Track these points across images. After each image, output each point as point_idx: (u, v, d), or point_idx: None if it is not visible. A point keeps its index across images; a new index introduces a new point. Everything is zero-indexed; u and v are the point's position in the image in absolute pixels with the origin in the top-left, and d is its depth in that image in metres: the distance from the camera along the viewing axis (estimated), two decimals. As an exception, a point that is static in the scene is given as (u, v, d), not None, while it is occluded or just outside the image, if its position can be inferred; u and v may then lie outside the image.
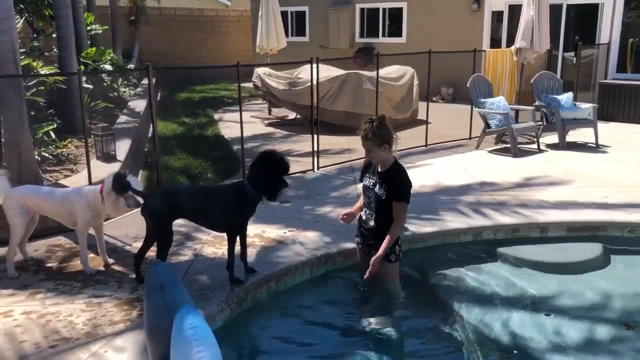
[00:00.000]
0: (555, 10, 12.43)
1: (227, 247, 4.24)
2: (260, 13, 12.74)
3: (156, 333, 2.55)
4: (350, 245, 4.72)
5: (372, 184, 4.12)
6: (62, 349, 3.38)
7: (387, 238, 3.99)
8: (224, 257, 4.32)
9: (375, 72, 8.53)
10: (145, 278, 2.81)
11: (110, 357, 3.29)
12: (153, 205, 4.15)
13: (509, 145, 8.53)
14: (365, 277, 4.09)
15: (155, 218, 4.14)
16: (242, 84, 6.95)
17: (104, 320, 3.71)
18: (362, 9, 16.53)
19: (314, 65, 7.53)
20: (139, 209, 4.24)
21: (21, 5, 9.34)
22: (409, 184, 4.05)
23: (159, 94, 15.99)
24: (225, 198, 4.18)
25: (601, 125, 9.51)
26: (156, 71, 15.62)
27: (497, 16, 14.00)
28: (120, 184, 4.14)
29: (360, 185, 4.35)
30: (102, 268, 4.57)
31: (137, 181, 4.36)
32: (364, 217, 4.27)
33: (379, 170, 4.10)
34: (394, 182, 4.01)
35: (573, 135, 9.36)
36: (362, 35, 16.68)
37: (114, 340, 3.46)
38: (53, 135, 7.19)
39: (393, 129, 4.07)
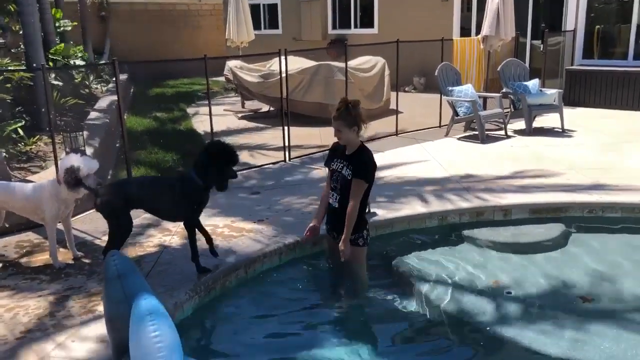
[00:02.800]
0: (521, -2, 12.63)
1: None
2: (229, 6, 12.74)
3: (116, 321, 2.61)
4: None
5: (340, 167, 4.20)
6: (28, 339, 3.42)
7: (347, 218, 4.08)
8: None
9: (348, 63, 8.61)
10: (104, 268, 2.85)
11: (76, 347, 3.34)
12: (103, 199, 4.14)
13: (477, 132, 8.69)
14: (342, 260, 4.16)
15: (106, 211, 4.13)
16: (215, 78, 6.96)
17: (72, 312, 3.76)
18: (333, 1, 16.60)
19: (283, 58, 7.61)
20: None
21: (-16, 2, 9.22)
22: (372, 164, 4.13)
23: (132, 90, 15.90)
24: (173, 188, 4.19)
25: (568, 111, 9.72)
26: (128, 67, 15.73)
27: (466, 5, 14.18)
28: (72, 179, 4.15)
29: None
30: (71, 261, 4.60)
31: (93, 162, 4.36)
32: (330, 202, 4.34)
33: (347, 153, 4.19)
34: (358, 160, 4.10)
35: (540, 121, 9.56)
36: (334, 27, 16.76)
37: (80, 330, 3.51)
38: (21, 133, 7.15)
39: (366, 116, 4.16)
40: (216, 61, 11.47)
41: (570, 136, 8.74)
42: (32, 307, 3.85)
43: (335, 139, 4.20)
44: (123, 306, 2.51)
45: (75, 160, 4.25)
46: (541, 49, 11.44)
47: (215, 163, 4.09)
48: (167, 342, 2.34)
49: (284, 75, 7.74)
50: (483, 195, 5.91)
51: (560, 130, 9.00)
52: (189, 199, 4.16)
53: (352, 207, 4.06)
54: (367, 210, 5.33)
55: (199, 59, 6.76)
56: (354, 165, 4.07)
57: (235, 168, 4.26)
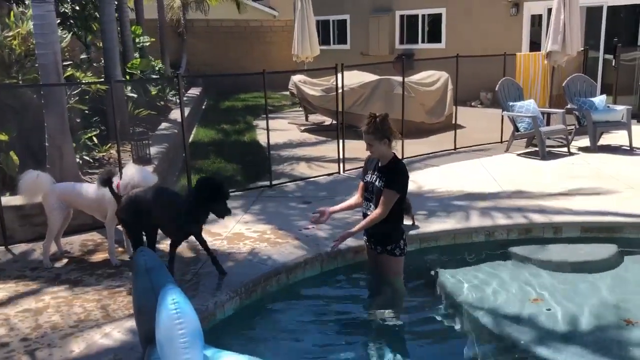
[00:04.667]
0: (595, 12, 12.26)
1: (244, 243, 4.50)
2: (295, 22, 13.13)
3: (144, 312, 2.83)
4: (360, 242, 4.91)
5: (373, 179, 4.33)
6: (80, 329, 3.75)
7: (367, 219, 4.21)
8: (239, 252, 4.62)
9: (410, 77, 8.68)
10: (133, 263, 3.09)
11: (119, 337, 3.64)
12: (118, 207, 4.45)
13: (538, 149, 8.51)
14: (332, 246, 4.43)
15: (121, 219, 4.46)
16: (285, 92, 7.23)
17: (121, 305, 4.07)
18: (401, 16, 16.70)
19: (343, 72, 7.84)
20: None
21: (71, 21, 10.01)
22: (403, 175, 4.23)
23: (205, 102, 16.62)
24: (174, 204, 4.40)
25: (639, 128, 9.32)
26: (202, 80, 16.45)
27: (537, 20, 13.88)
28: (104, 177, 4.51)
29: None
30: (127, 259, 4.95)
31: (149, 174, 4.70)
32: (368, 213, 4.45)
33: (380, 165, 4.31)
34: (390, 172, 4.20)
35: (608, 139, 9.23)
36: (402, 42, 16.84)
37: (126, 322, 3.81)
38: (95, 140, 7.72)
39: (394, 128, 4.28)
40: (285, 75, 11.87)
41: (637, 154, 8.38)
42: (87, 299, 4.20)
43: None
44: (150, 297, 2.73)
45: (131, 170, 4.62)
46: (613, 64, 11.02)
47: (205, 204, 4.22)
48: (189, 328, 2.54)
49: (340, 90, 7.93)
50: (533, 212, 5.82)
51: (628, 148, 8.65)
52: (180, 221, 4.33)
53: (376, 214, 4.16)
54: (411, 223, 5.44)
55: (258, 73, 7.07)
56: (386, 177, 4.18)
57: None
